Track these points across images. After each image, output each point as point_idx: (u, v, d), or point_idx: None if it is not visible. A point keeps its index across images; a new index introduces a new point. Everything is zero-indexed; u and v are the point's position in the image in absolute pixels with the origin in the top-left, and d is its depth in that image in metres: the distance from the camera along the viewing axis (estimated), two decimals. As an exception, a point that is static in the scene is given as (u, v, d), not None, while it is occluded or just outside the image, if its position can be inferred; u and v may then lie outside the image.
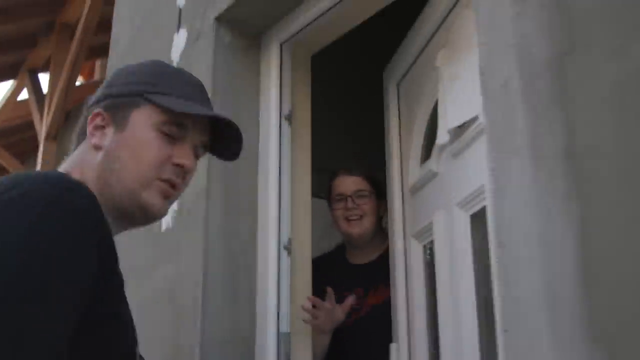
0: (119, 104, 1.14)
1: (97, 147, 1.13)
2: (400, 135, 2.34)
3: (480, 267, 1.72)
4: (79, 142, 1.18)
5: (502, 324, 1.21)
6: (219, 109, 2.11)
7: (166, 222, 2.18)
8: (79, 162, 1.14)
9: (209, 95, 2.01)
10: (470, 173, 1.75)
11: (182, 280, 2.05)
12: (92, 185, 1.05)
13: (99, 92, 1.19)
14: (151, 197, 1.10)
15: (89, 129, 1.15)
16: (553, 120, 1.13)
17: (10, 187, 0.88)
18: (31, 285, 0.80)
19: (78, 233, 0.87)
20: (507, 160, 1.19)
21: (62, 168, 1.15)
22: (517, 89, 1.19)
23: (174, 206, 2.17)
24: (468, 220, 1.78)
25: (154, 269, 2.22)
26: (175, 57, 2.38)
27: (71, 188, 0.91)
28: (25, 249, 0.82)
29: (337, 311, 2.20)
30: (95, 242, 0.89)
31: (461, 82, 1.77)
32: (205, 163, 2.04)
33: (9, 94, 6.47)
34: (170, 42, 2.43)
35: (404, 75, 2.36)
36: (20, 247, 0.82)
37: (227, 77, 2.16)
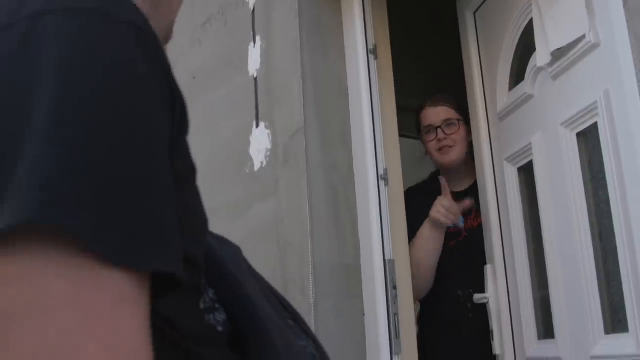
0: None
1: None
2: (480, 63, 2.36)
3: (591, 181, 1.77)
4: None
5: None
6: (306, 44, 2.13)
7: (259, 161, 2.21)
8: None
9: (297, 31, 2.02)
10: (575, 92, 1.78)
11: (286, 215, 2.10)
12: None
13: None
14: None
15: None
16: None
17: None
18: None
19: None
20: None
21: None
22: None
23: (268, 145, 2.21)
24: (574, 138, 1.81)
25: (249, 207, 2.27)
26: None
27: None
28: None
29: (455, 206, 2.31)
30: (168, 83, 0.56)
31: (562, 5, 1.78)
32: (300, 103, 2.07)
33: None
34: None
35: (482, 4, 2.37)
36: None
37: (312, 14, 2.17)
